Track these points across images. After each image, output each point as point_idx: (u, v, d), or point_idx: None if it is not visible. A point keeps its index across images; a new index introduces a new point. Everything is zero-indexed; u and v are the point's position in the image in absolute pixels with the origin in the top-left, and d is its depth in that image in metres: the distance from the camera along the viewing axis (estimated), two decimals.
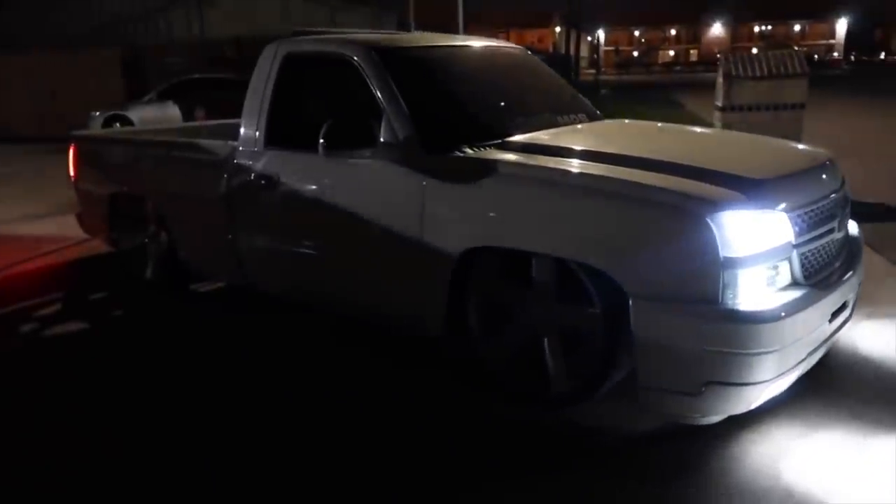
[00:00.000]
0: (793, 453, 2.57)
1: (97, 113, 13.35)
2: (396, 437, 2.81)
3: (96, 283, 5.00)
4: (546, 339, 2.89)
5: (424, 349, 3.52)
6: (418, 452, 2.70)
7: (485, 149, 3.10)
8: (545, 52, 53.85)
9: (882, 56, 78.90)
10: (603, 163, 2.81)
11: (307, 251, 3.60)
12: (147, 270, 4.81)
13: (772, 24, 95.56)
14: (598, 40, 59.52)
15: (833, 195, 2.90)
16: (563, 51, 47.13)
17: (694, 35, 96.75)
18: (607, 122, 3.96)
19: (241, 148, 3.86)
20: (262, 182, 3.70)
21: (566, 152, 3.01)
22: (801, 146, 3.34)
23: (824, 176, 2.95)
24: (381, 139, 3.16)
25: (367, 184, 3.27)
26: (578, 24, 44.49)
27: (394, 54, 3.45)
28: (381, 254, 3.27)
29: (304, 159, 3.56)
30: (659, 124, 4.09)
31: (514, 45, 4.33)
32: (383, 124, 3.20)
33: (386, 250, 3.23)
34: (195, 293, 4.76)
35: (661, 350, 2.50)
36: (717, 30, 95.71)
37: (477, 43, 4.09)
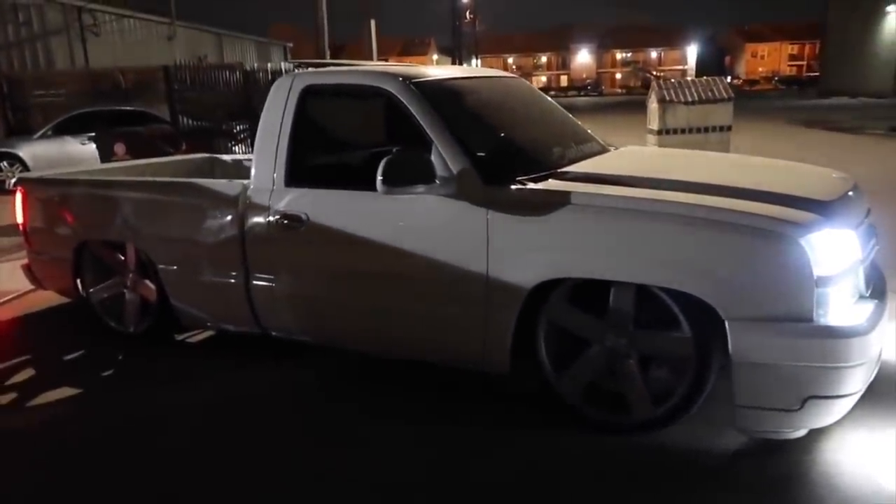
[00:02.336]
0: (877, 457, 2.72)
1: None
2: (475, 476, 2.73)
3: (65, 340, 4.50)
4: (626, 367, 2.92)
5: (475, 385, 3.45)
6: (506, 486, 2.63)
7: (544, 180, 3.10)
8: None
9: (729, 79, 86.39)
10: (673, 190, 2.90)
11: (350, 292, 3.43)
12: (128, 322, 4.41)
13: (632, 52, 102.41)
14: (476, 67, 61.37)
15: (870, 212, 3.14)
16: None
17: (563, 62, 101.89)
18: (626, 149, 4.08)
19: (254, 187, 3.64)
20: (286, 222, 3.51)
21: (629, 181, 3.06)
22: (822, 169, 3.59)
23: (860, 195, 3.18)
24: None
25: (421, 219, 3.18)
26: (460, 52, 45.74)
27: (431, 86, 3.40)
28: (439, 291, 3.17)
29: (342, 197, 3.41)
30: (678, 150, 4.26)
31: (514, 76, 4.37)
32: (433, 158, 3.13)
33: (445, 287, 3.14)
34: (184, 344, 4.41)
35: (760, 369, 2.59)
36: (583, 57, 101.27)
37: (492, 74, 4.10)
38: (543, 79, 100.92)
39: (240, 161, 6.04)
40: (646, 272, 2.75)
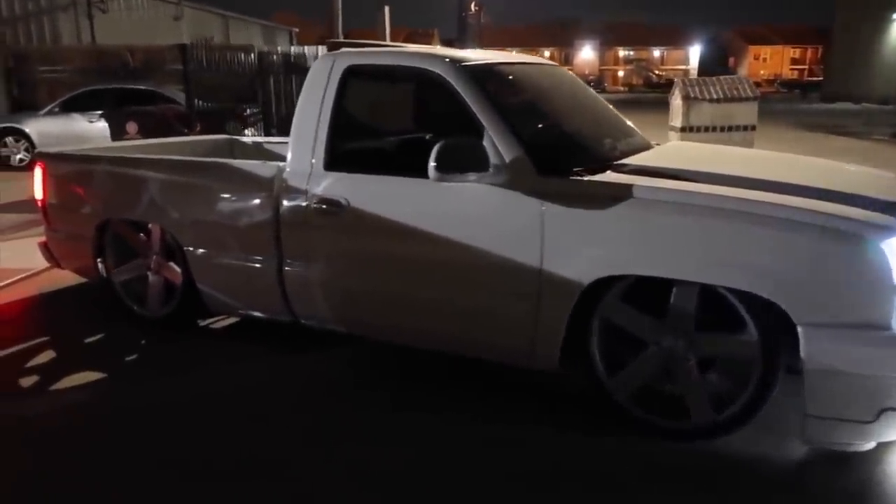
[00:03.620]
0: None
1: None
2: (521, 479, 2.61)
3: (84, 322, 4.36)
4: (686, 370, 2.80)
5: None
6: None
7: (601, 172, 2.98)
8: None
9: None
10: (738, 187, 2.78)
11: (391, 281, 3.30)
12: (151, 306, 4.27)
13: (634, 50, 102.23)
14: None
15: None
16: None
17: (566, 57, 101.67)
18: (674, 144, 3.97)
19: (290, 170, 3.51)
20: (324, 207, 3.37)
21: (689, 176, 2.95)
22: (876, 170, 3.48)
23: None
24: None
25: (470, 208, 3.05)
26: (464, 44, 45.49)
27: (481, 71, 3.26)
28: (487, 283, 3.04)
29: (384, 183, 3.28)
30: (727, 147, 4.13)
31: (554, 64, 4.23)
32: (485, 145, 3.00)
33: (493, 280, 3.02)
34: (208, 330, 4.28)
35: (834, 378, 2.47)
36: (586, 53, 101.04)
37: (534, 60, 3.96)
38: None
39: (260, 143, 5.91)
40: (712, 272, 2.63)
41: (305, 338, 3.89)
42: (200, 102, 10.14)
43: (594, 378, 2.99)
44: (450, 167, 2.90)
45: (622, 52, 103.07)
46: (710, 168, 3.14)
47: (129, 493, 2.59)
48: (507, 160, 2.96)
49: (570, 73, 4.29)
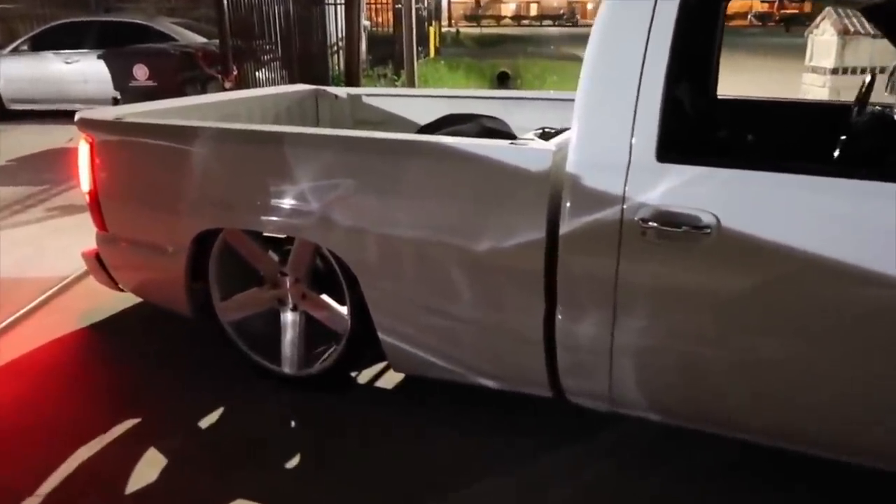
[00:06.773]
0: None
1: None
2: None
3: (176, 380, 2.87)
4: None
5: None
6: None
7: None
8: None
9: None
10: None
11: (815, 356, 1.89)
12: (289, 359, 2.79)
13: None
14: None
15: None
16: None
17: None
18: None
19: (581, 159, 2.04)
20: (661, 226, 1.93)
21: None
22: None
23: None
24: None
25: None
26: None
27: None
28: None
29: (815, 187, 1.85)
30: None
31: None
32: None
33: None
34: (378, 391, 2.85)
35: None
36: None
37: None
38: (513, 6, 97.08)
39: (357, 96, 4.36)
40: None
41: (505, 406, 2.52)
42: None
43: None
44: None
45: None
46: None
47: None
48: None
49: None
